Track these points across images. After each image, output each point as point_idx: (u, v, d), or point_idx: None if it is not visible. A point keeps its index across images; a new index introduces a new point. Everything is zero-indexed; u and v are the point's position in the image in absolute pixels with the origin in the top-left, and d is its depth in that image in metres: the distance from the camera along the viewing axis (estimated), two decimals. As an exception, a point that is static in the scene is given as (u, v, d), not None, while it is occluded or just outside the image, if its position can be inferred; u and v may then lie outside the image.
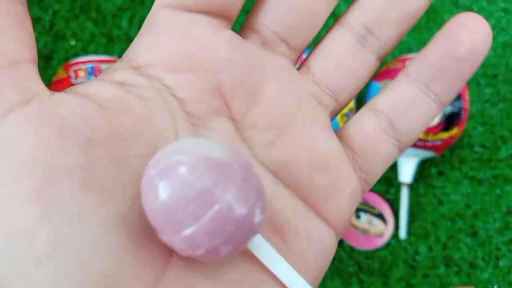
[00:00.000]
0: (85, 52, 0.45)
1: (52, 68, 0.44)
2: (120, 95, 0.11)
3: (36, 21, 0.46)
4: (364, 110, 0.14)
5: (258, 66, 0.13)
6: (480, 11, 0.50)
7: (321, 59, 0.14)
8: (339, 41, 0.14)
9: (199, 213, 0.09)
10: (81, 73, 0.35)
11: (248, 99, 0.13)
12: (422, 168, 0.43)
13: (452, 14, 0.49)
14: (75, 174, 0.10)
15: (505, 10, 0.50)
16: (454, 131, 0.37)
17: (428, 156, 0.39)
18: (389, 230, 0.40)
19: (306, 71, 0.14)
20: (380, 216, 0.41)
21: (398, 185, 0.42)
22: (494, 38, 0.49)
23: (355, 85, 0.14)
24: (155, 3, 0.13)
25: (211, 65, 0.12)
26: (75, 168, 0.10)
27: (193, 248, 0.10)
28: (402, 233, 0.40)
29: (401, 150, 0.14)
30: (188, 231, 0.10)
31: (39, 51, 0.45)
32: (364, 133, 0.14)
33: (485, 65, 0.47)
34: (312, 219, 0.13)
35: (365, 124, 0.14)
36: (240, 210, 0.10)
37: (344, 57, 0.14)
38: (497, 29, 0.49)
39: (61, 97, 0.11)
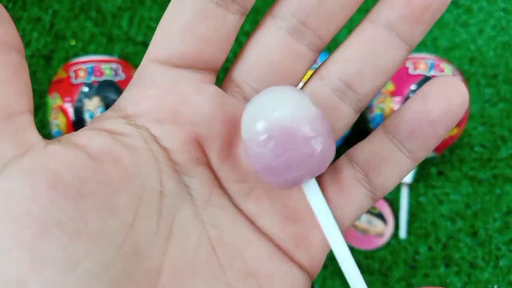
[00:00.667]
0: (85, 52, 0.45)
1: (52, 68, 0.44)
2: (109, 145, 0.12)
3: (36, 21, 0.46)
4: (342, 159, 0.15)
5: (237, 121, 0.13)
6: (480, 11, 0.50)
7: None
8: (317, 95, 0.14)
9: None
10: (81, 73, 0.35)
11: (224, 152, 0.14)
12: (422, 168, 0.43)
13: (452, 14, 0.49)
14: (65, 225, 0.10)
15: (505, 10, 0.50)
16: (454, 131, 0.37)
17: (428, 156, 0.39)
18: (389, 230, 0.40)
19: None
20: (380, 216, 0.41)
21: (398, 185, 0.42)
22: (494, 38, 0.49)
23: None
24: (144, 57, 0.13)
25: (192, 119, 0.13)
26: (65, 220, 0.10)
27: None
28: (402, 233, 0.40)
29: (374, 201, 0.15)
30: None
31: (39, 51, 0.45)
32: (338, 183, 0.14)
33: (485, 65, 0.47)
34: (286, 263, 0.13)
35: (341, 174, 0.14)
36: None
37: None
38: (497, 29, 0.49)
39: (54, 150, 0.11)
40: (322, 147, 0.12)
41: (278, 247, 0.14)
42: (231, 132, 0.14)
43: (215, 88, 0.14)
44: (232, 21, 0.13)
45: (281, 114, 0.11)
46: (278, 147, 0.11)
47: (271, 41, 0.13)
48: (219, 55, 0.13)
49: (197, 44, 0.13)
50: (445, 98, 0.13)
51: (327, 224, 0.13)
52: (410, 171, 0.14)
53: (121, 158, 0.12)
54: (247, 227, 0.13)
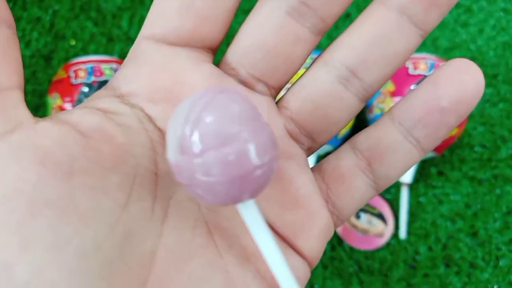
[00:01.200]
0: (85, 52, 0.45)
1: (52, 68, 0.44)
2: (102, 123, 0.11)
3: (36, 20, 0.46)
4: (345, 146, 0.14)
5: None
6: (480, 11, 0.50)
7: (299, 100, 0.13)
8: (320, 82, 0.13)
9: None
10: (81, 73, 0.35)
11: None
12: (422, 168, 0.43)
13: (451, 14, 0.49)
14: (55, 204, 0.10)
15: (505, 10, 0.50)
16: (454, 131, 0.37)
17: (428, 156, 0.39)
18: (389, 230, 0.40)
19: (285, 106, 0.14)
20: (380, 216, 0.41)
21: (398, 185, 0.42)
22: (494, 38, 0.49)
23: (333, 128, 0.14)
24: (139, 34, 0.13)
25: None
26: (55, 198, 0.10)
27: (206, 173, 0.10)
28: (402, 233, 0.40)
29: (377, 191, 0.14)
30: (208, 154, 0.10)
31: (39, 51, 0.45)
32: (340, 171, 0.14)
33: (485, 65, 0.47)
34: (285, 249, 0.13)
35: (343, 162, 0.14)
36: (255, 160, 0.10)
37: (323, 102, 0.13)
38: (497, 29, 0.49)
39: (43, 126, 0.11)
40: (263, 170, 0.10)
41: (276, 233, 0.13)
42: None
43: (211, 67, 0.13)
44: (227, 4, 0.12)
45: (224, 136, 0.10)
46: (217, 171, 0.10)
47: (269, 22, 0.12)
48: (217, 33, 0.13)
49: (194, 21, 0.12)
50: (458, 84, 0.12)
51: (266, 246, 0.11)
52: (417, 162, 0.13)
53: (114, 137, 0.11)
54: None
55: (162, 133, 0.12)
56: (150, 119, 0.12)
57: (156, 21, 0.13)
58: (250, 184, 0.10)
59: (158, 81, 0.12)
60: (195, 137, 0.10)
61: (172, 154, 0.11)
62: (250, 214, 0.11)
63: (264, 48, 0.13)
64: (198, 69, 0.13)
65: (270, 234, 0.11)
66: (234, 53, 0.13)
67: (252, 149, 0.10)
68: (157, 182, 0.12)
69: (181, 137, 0.10)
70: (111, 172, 0.11)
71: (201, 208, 0.12)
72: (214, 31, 0.13)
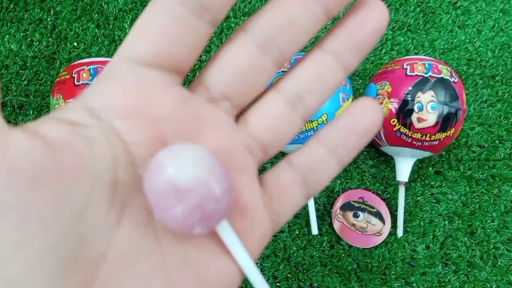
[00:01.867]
0: (88, 53, 0.45)
1: (55, 69, 0.44)
2: (68, 136, 0.13)
3: (38, 22, 0.46)
4: (282, 163, 0.17)
5: (199, 120, 0.15)
6: (478, 12, 0.50)
7: (258, 117, 0.16)
8: (274, 103, 0.16)
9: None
10: (84, 75, 0.36)
11: None
12: (420, 168, 0.43)
13: (450, 15, 0.49)
14: (18, 208, 0.11)
15: (503, 11, 0.50)
16: (451, 132, 0.37)
17: (426, 156, 0.40)
18: (386, 229, 0.41)
19: (244, 123, 0.16)
20: (378, 214, 0.41)
21: (395, 184, 0.42)
22: (492, 38, 0.49)
23: (282, 142, 0.16)
24: (117, 53, 0.14)
25: (157, 118, 0.14)
26: (19, 203, 0.11)
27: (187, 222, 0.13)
28: (399, 232, 0.41)
29: (307, 200, 0.17)
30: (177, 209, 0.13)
31: (41, 52, 0.45)
32: (280, 184, 0.16)
33: (483, 66, 0.48)
34: (223, 255, 0.15)
35: (282, 176, 0.17)
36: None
37: (277, 119, 0.16)
38: (495, 29, 0.49)
39: (14, 137, 0.12)
40: (224, 202, 0.14)
41: (218, 240, 0.15)
42: (193, 131, 0.15)
43: (180, 89, 0.15)
44: (203, 29, 0.14)
45: (188, 176, 0.13)
46: (188, 206, 0.13)
47: (242, 51, 0.15)
48: (188, 59, 0.14)
49: (169, 46, 0.14)
50: (368, 114, 0.16)
51: (242, 259, 0.14)
52: (337, 174, 0.16)
53: (78, 150, 0.13)
54: None
55: (126, 145, 0.14)
56: (116, 133, 0.14)
57: (134, 43, 0.14)
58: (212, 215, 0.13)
59: (129, 100, 0.14)
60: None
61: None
62: (226, 233, 0.14)
63: (237, 73, 0.15)
64: (167, 92, 0.14)
65: (243, 247, 0.14)
66: (209, 74, 0.15)
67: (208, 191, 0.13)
68: (115, 191, 0.13)
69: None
70: (72, 183, 0.12)
71: (153, 217, 0.14)
72: (185, 57, 0.14)
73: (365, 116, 0.16)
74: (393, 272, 0.40)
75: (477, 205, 0.42)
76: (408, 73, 0.37)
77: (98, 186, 0.13)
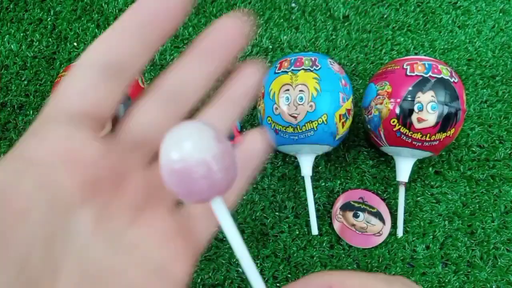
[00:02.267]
0: (87, 53, 0.45)
1: (55, 70, 0.44)
2: (3, 188, 0.14)
3: (37, 22, 0.46)
4: None
5: (118, 166, 0.17)
6: (478, 12, 0.50)
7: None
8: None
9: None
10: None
11: (112, 192, 0.16)
12: (420, 168, 0.43)
13: (450, 15, 0.49)
14: None
15: (503, 11, 0.50)
16: (451, 132, 0.37)
17: (426, 156, 0.40)
18: (386, 229, 0.41)
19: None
20: (378, 215, 0.41)
21: (395, 185, 0.42)
22: (493, 38, 0.49)
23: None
24: (50, 104, 0.16)
25: (84, 164, 0.16)
26: None
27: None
28: (400, 232, 0.41)
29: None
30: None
31: (41, 52, 0.45)
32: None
33: (483, 66, 0.48)
34: (164, 278, 0.16)
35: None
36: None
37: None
38: (495, 29, 0.49)
39: None
40: (224, 174, 0.15)
41: (157, 264, 0.17)
42: (118, 175, 0.17)
43: (104, 140, 0.17)
44: (117, 91, 0.17)
45: (191, 149, 0.14)
46: (189, 176, 0.15)
47: (151, 105, 0.18)
48: (108, 110, 0.17)
49: (89, 104, 0.16)
50: (258, 143, 0.19)
51: (230, 233, 0.16)
52: None
53: (12, 202, 0.14)
54: (126, 254, 0.16)
55: (58, 193, 0.15)
56: (48, 182, 0.15)
57: (64, 97, 0.16)
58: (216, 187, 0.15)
59: (60, 150, 0.16)
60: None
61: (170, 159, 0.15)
62: (219, 208, 0.16)
63: (149, 125, 0.18)
64: (94, 142, 0.16)
65: (233, 223, 0.16)
66: (127, 126, 0.18)
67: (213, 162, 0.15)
68: (52, 241, 0.14)
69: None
70: (11, 231, 0.13)
71: (82, 260, 0.15)
72: (106, 109, 0.17)
73: (257, 144, 0.19)
74: (393, 272, 0.40)
75: (477, 205, 0.42)
76: (408, 73, 0.37)
77: (34, 239, 0.14)
